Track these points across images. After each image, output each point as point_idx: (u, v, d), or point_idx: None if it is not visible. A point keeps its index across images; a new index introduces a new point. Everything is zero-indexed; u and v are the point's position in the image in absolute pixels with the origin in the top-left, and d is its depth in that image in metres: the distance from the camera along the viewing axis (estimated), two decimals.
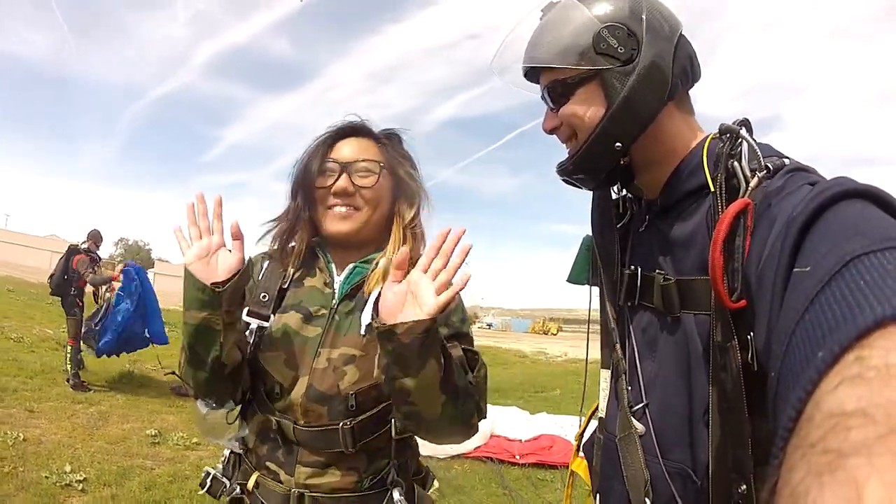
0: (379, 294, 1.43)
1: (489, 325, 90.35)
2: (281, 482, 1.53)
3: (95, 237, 9.56)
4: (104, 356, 8.78)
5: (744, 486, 1.02)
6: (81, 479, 5.05)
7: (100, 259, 9.61)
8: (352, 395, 1.50)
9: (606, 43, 1.15)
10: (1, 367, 8.64)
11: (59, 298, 9.15)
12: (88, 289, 9.27)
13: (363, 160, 1.61)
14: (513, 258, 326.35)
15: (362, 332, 1.55)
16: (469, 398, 1.43)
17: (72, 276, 8.91)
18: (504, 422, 7.94)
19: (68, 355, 8.55)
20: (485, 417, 1.53)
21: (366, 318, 1.55)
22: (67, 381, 8.41)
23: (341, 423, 1.49)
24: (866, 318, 0.47)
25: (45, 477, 4.95)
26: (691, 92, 1.29)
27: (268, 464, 1.56)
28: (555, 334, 66.99)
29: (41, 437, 5.98)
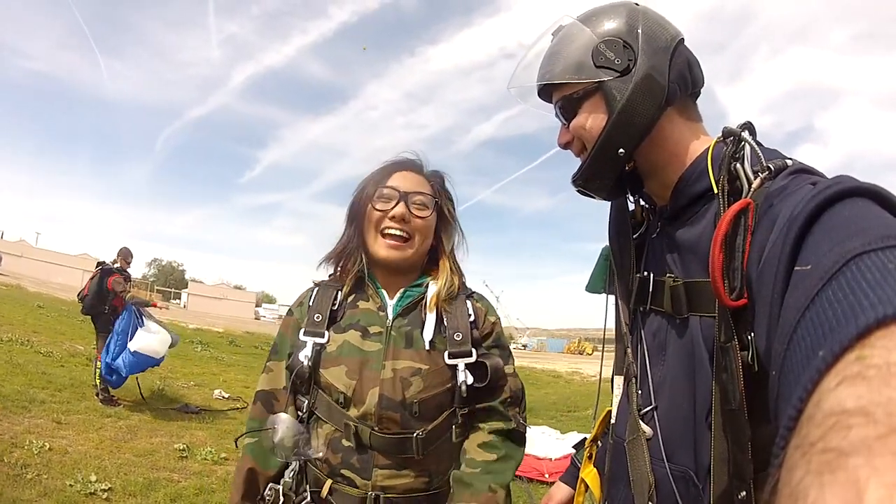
0: (437, 314, 1.74)
1: (524, 346, 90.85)
2: (357, 486, 1.63)
3: (125, 255, 9.60)
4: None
5: (744, 493, 1.04)
6: (106, 488, 5.05)
7: (129, 276, 9.61)
8: (415, 402, 1.65)
9: (604, 56, 1.23)
10: (30, 380, 8.72)
11: (90, 317, 9.15)
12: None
13: (421, 193, 1.79)
14: (551, 277, 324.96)
15: (427, 347, 1.70)
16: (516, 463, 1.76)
17: (106, 295, 8.91)
18: (534, 441, 7.90)
19: (99, 370, 8.52)
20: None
21: (427, 335, 1.71)
22: (97, 395, 8.42)
23: (415, 434, 1.63)
24: (867, 317, 0.47)
25: (70, 485, 4.96)
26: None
27: (342, 471, 1.64)
28: (590, 354, 67.46)
29: (67, 448, 5.98)
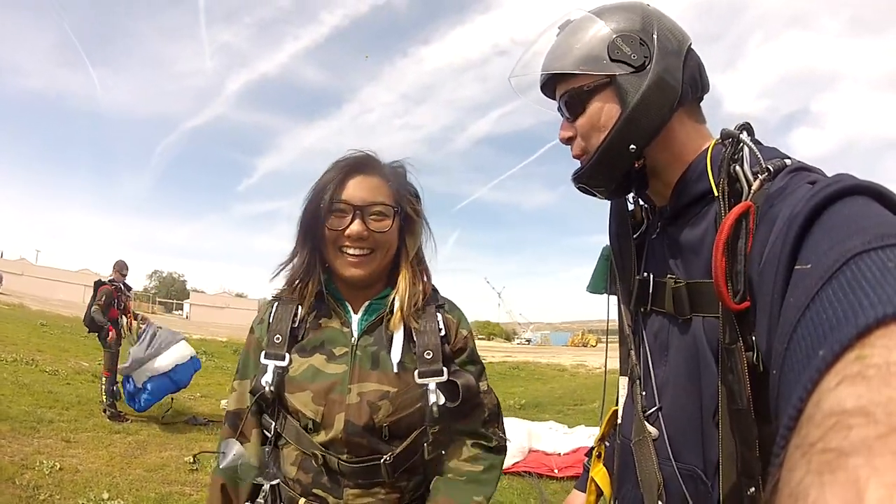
0: (405, 330, 1.66)
1: (528, 341, 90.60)
2: None
3: (120, 267, 9.59)
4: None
5: (753, 489, 1.05)
6: None
7: (129, 288, 9.64)
8: (385, 426, 1.60)
9: (620, 50, 1.22)
10: (36, 399, 8.74)
11: (96, 333, 9.17)
12: (122, 320, 9.28)
13: (377, 203, 1.64)
14: (552, 271, 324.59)
15: (395, 370, 1.62)
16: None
17: (103, 308, 8.92)
18: (541, 436, 8.02)
19: (103, 387, 8.56)
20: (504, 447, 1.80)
21: (395, 355, 1.63)
22: (104, 411, 8.43)
23: (382, 459, 1.59)
24: (867, 316, 0.46)
25: None
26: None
27: (314, 490, 1.62)
28: (594, 346, 67.46)
29: (78, 466, 5.99)
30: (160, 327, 8.82)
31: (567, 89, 1.31)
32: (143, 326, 8.63)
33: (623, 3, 1.31)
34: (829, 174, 0.99)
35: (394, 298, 1.70)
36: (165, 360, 8.21)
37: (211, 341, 23.85)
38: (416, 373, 1.62)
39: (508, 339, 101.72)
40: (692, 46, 1.29)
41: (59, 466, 5.79)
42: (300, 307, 1.71)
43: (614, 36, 1.23)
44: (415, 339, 1.67)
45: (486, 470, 1.70)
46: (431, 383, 1.61)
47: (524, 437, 7.65)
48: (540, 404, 13.07)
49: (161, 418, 8.74)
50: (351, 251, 1.63)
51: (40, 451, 6.28)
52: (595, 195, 1.39)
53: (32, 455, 6.06)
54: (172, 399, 9.07)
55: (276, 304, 1.76)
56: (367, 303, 1.73)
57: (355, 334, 1.68)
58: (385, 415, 1.60)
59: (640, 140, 1.23)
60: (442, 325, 1.72)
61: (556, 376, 22.02)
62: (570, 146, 1.36)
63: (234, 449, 1.63)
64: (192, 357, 8.70)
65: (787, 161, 1.09)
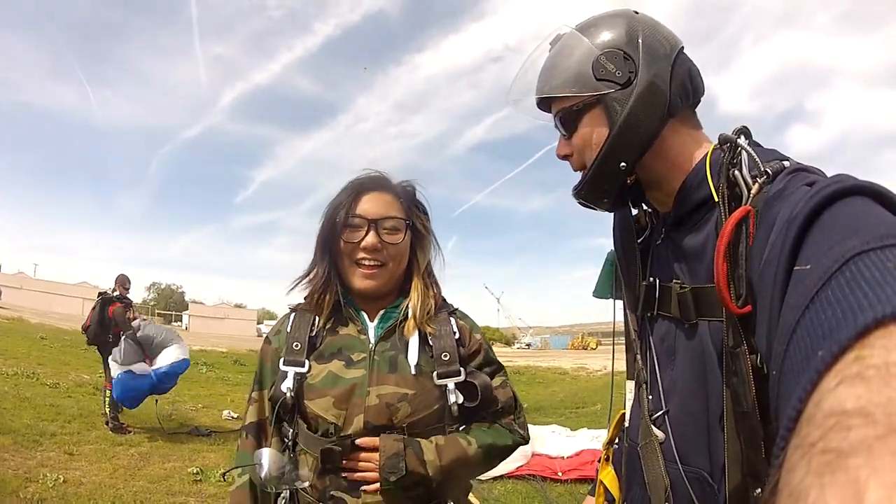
0: (420, 335, 1.72)
1: (528, 345, 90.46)
2: None
3: (123, 281, 9.62)
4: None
5: (759, 491, 1.06)
6: None
7: (131, 302, 9.64)
8: (404, 427, 1.63)
9: (604, 69, 1.23)
10: (38, 413, 8.73)
11: (97, 346, 9.17)
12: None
13: (390, 217, 1.74)
14: (551, 275, 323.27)
15: (413, 371, 1.67)
16: (505, 450, 1.75)
17: (108, 324, 8.94)
18: (545, 440, 7.99)
19: (106, 399, 8.53)
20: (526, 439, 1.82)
21: (412, 358, 1.68)
22: (107, 423, 8.43)
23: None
24: (866, 316, 0.46)
25: None
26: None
27: (332, 493, 1.63)
28: (594, 349, 67.32)
29: (82, 479, 5.98)
30: (145, 320, 8.92)
31: (559, 109, 1.33)
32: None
33: (609, 13, 1.31)
34: (828, 171, 1.01)
35: (407, 306, 1.77)
36: (144, 366, 8.27)
37: (211, 352, 23.87)
38: (434, 374, 1.67)
39: (508, 343, 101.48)
40: (684, 51, 1.28)
41: (62, 479, 5.78)
42: (318, 318, 1.78)
43: (598, 54, 1.24)
44: (430, 343, 1.72)
45: (493, 430, 1.73)
46: (450, 383, 1.67)
47: None
48: (542, 408, 13.07)
49: (164, 429, 8.75)
50: (365, 263, 1.71)
51: (43, 463, 6.28)
52: (595, 209, 1.41)
53: (36, 468, 6.06)
54: (156, 401, 8.95)
55: (293, 314, 1.82)
56: (381, 311, 1.79)
57: (372, 340, 1.73)
58: (404, 416, 1.63)
59: (629, 156, 1.25)
60: (456, 329, 1.78)
61: (557, 380, 22.05)
62: (568, 161, 1.38)
63: (270, 456, 1.63)
64: (172, 362, 8.57)
65: (786, 163, 1.08)
